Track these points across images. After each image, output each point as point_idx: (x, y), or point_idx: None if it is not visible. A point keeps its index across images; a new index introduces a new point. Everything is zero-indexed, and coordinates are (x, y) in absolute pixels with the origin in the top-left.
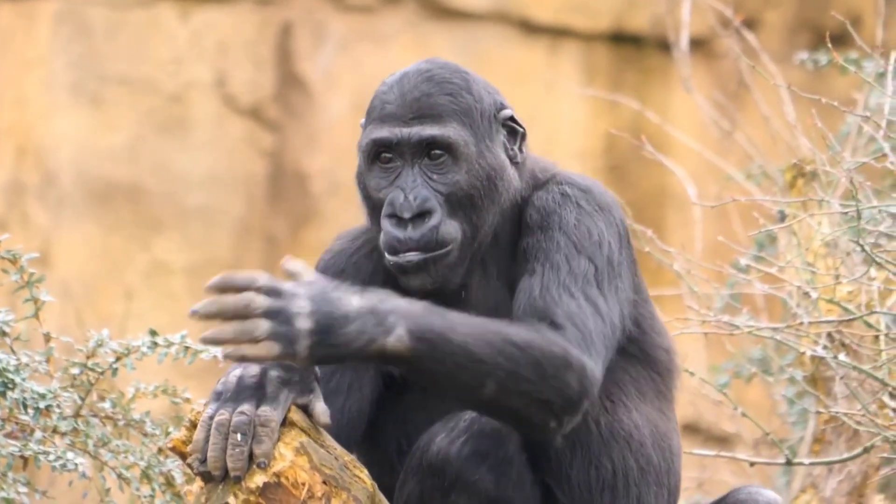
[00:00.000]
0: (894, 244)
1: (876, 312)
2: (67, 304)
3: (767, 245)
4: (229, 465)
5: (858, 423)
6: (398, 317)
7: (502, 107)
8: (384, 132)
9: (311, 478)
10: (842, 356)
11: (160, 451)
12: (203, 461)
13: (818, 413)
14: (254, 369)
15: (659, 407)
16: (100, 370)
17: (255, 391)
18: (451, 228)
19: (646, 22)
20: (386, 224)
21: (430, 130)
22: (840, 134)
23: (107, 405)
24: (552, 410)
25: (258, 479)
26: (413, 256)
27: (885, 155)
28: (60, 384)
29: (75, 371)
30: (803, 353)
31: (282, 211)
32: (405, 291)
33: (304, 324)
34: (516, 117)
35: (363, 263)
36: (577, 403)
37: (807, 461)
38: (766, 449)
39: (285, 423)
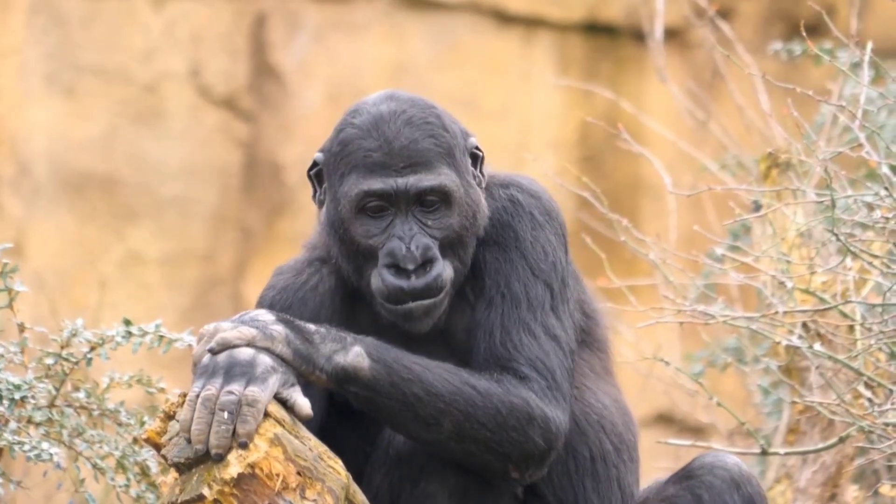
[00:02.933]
0: (869, 234)
1: (851, 302)
2: (41, 295)
3: (742, 235)
4: (212, 442)
5: (833, 412)
6: (355, 339)
7: (468, 135)
8: (376, 183)
9: (285, 469)
10: (817, 346)
11: (135, 440)
12: (182, 449)
13: (793, 403)
14: (246, 351)
15: (611, 382)
16: (74, 360)
17: (246, 371)
18: (448, 270)
19: (620, 12)
20: (386, 274)
21: (427, 181)
22: (815, 124)
23: (81, 395)
24: (511, 461)
25: (233, 470)
26: (420, 304)
27: (860, 144)
28: (35, 374)
29: (50, 361)
30: (778, 343)
31: (256, 201)
32: (362, 328)
33: (276, 326)
34: (478, 143)
35: (310, 297)
36: (542, 458)
37: (782, 451)
38: (740, 439)
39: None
